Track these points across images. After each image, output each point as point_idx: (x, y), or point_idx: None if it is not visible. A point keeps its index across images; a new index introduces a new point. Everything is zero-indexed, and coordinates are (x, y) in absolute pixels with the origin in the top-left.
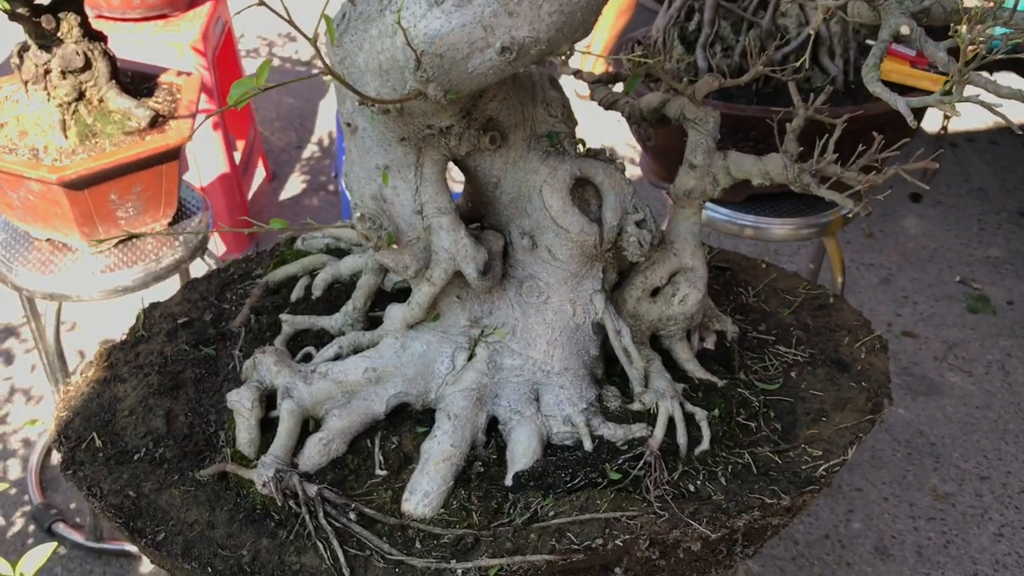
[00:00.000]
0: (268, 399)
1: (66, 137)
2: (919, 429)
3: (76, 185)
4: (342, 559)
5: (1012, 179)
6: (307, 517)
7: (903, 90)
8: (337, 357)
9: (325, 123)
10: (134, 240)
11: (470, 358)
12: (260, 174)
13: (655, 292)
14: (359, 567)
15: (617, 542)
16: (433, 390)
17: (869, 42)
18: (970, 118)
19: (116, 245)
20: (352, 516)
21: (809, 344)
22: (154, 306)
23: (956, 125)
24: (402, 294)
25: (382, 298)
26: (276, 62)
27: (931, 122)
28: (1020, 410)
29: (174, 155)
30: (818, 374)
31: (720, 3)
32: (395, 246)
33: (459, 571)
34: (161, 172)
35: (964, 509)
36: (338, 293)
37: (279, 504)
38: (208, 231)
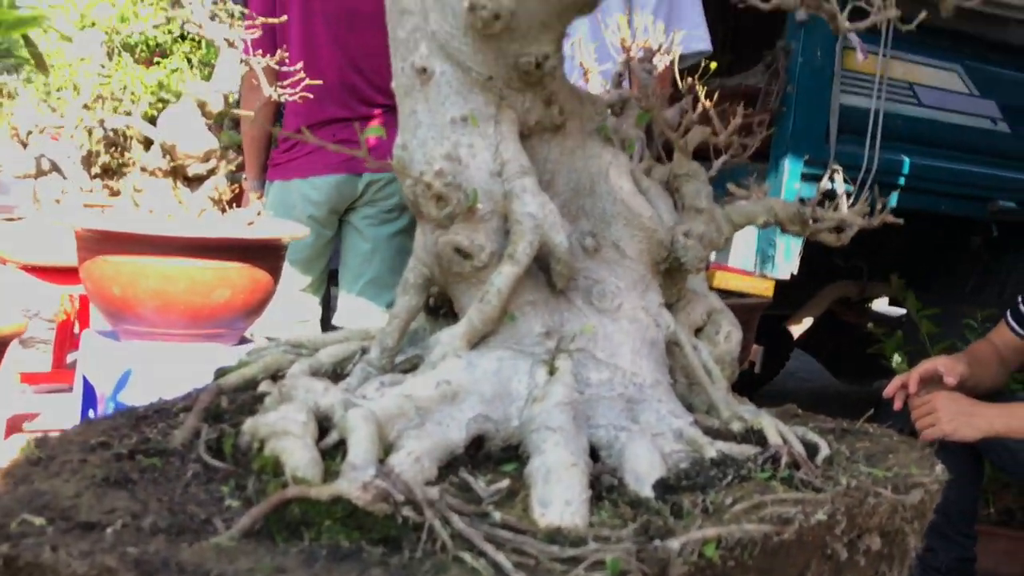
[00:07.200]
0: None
1: None
2: None
3: None
4: (507, 564)
5: None
6: (438, 524)
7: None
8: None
9: None
10: None
11: (551, 373)
12: None
13: (697, 333)
14: (529, 572)
15: (819, 517)
16: (514, 416)
17: None
18: None
19: None
20: (498, 519)
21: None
22: (44, 440)
23: None
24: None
25: None
26: None
27: None
28: None
29: None
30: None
31: None
32: (478, 207)
33: (675, 546)
34: None
35: None
36: None
37: (386, 514)
38: None
